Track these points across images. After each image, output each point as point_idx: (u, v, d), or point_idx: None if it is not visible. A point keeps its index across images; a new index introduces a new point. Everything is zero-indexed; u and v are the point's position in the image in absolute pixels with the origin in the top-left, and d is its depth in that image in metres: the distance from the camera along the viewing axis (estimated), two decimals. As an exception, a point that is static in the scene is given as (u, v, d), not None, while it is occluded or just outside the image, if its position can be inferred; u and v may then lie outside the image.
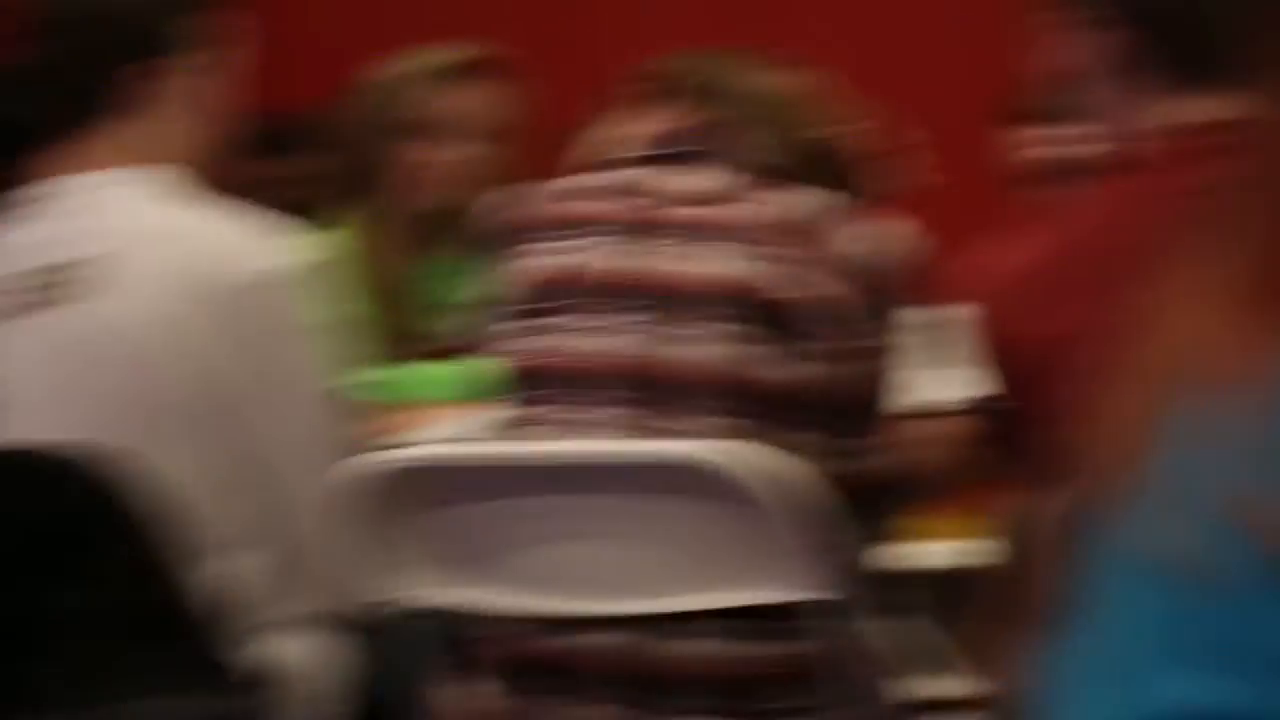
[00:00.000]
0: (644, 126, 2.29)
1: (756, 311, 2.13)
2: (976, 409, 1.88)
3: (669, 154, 2.25)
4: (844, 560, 2.04)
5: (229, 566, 2.28)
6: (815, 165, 2.30)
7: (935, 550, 2.41)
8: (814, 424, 2.12)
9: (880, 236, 2.19)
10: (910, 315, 2.21)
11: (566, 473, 2.08)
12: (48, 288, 2.33)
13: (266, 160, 5.53)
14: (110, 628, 2.08)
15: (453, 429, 3.17)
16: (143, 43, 2.36)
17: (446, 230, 3.46)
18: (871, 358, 2.17)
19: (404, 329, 3.38)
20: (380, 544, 2.13)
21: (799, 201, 2.18)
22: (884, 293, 2.17)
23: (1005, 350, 1.74)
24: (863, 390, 2.17)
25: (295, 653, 2.35)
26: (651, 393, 2.13)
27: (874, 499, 2.16)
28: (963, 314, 1.79)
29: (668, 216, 2.18)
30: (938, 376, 2.21)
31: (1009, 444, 1.77)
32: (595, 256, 2.19)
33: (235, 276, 2.29)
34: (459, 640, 2.17)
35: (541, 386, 2.17)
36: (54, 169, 2.38)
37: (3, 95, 3.25)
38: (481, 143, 3.43)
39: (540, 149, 3.59)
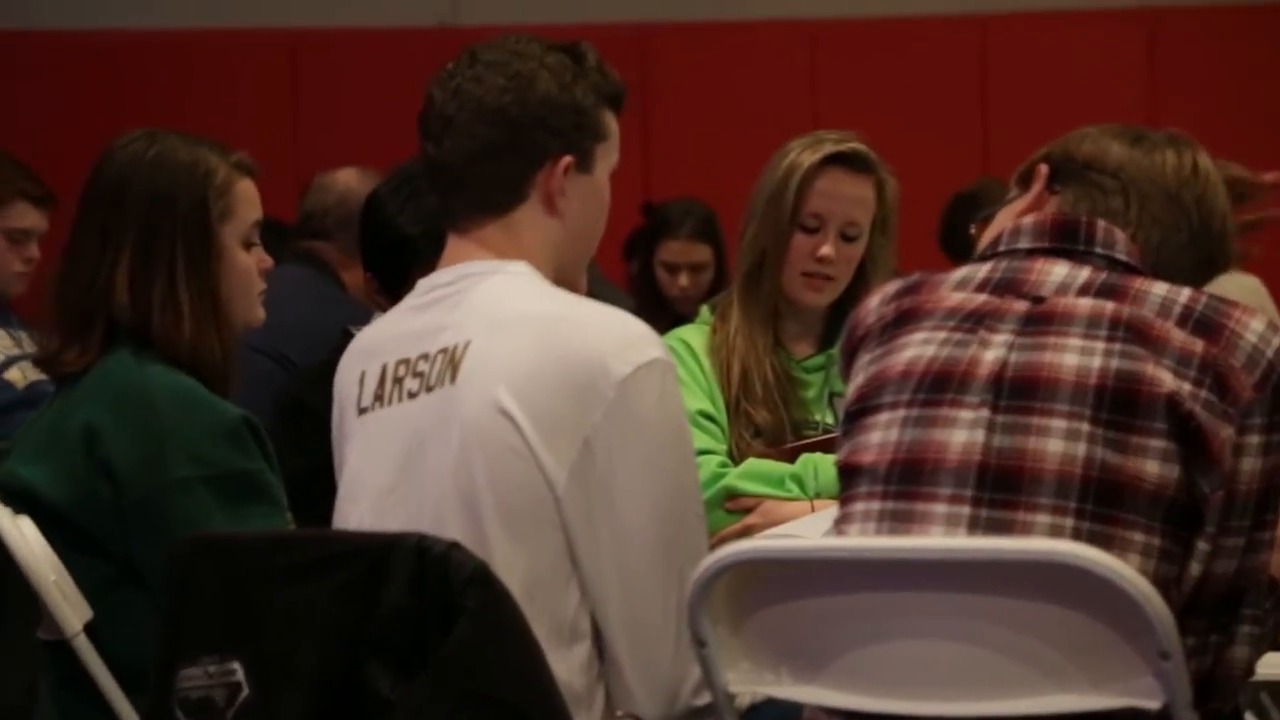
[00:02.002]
0: (1033, 214, 2.27)
1: (1113, 407, 2.10)
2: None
3: (1052, 248, 2.23)
4: (1183, 667, 1.99)
5: (567, 659, 2.31)
6: (1201, 250, 2.26)
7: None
8: (1156, 522, 2.08)
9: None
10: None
11: (917, 568, 2.06)
12: (416, 376, 2.37)
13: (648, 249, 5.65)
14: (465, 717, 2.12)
15: (809, 524, 3.17)
16: (560, 139, 2.41)
17: (826, 323, 3.46)
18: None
19: (770, 423, 3.37)
20: (724, 638, 2.14)
21: (1170, 295, 2.14)
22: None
23: None
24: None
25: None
26: (995, 486, 2.10)
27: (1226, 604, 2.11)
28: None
29: (1046, 310, 2.16)
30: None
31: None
32: (976, 350, 2.15)
33: (608, 369, 2.30)
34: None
35: (912, 480, 2.13)
36: (453, 257, 2.44)
37: (415, 185, 3.34)
38: (864, 236, 3.42)
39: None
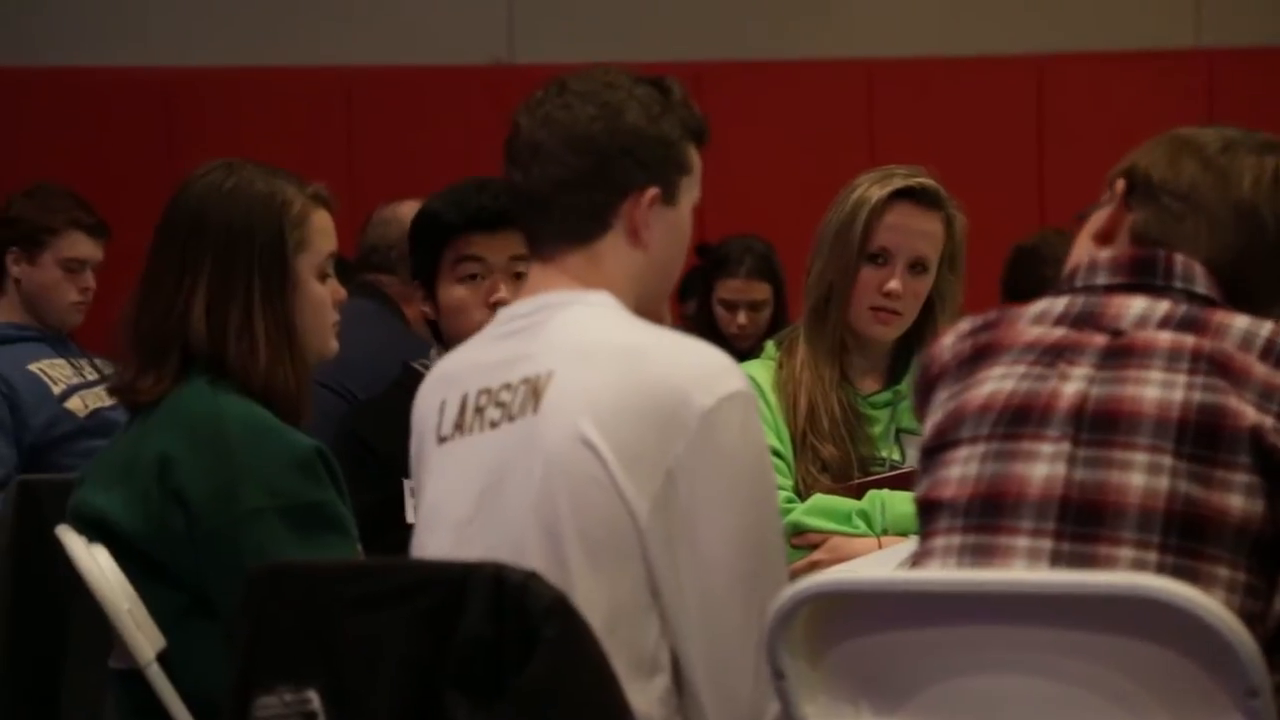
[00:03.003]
0: (1110, 249, 2.26)
1: (1196, 440, 2.09)
2: None
3: (1130, 284, 2.21)
4: (1271, 705, 1.96)
5: (646, 692, 2.30)
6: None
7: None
8: (1241, 557, 2.06)
9: None
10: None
11: (999, 601, 2.05)
12: (498, 405, 2.36)
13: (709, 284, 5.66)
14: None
15: (876, 561, 3.16)
16: (647, 171, 2.40)
17: (892, 359, 3.45)
18: None
19: (836, 458, 3.36)
20: (803, 671, 2.12)
21: (1252, 329, 2.13)
22: None
23: None
24: None
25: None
26: (1078, 520, 2.09)
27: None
28: None
29: (1125, 343, 2.15)
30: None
31: None
32: (1056, 383, 2.14)
33: (691, 400, 2.28)
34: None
35: (993, 514, 2.12)
36: (534, 286, 2.43)
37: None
38: (932, 271, 3.41)
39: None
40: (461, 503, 2.37)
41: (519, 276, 3.38)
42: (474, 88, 7.93)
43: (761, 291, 5.61)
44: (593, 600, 2.23)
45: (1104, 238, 2.31)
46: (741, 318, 5.59)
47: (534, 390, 2.33)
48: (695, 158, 2.46)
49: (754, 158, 7.80)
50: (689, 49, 7.71)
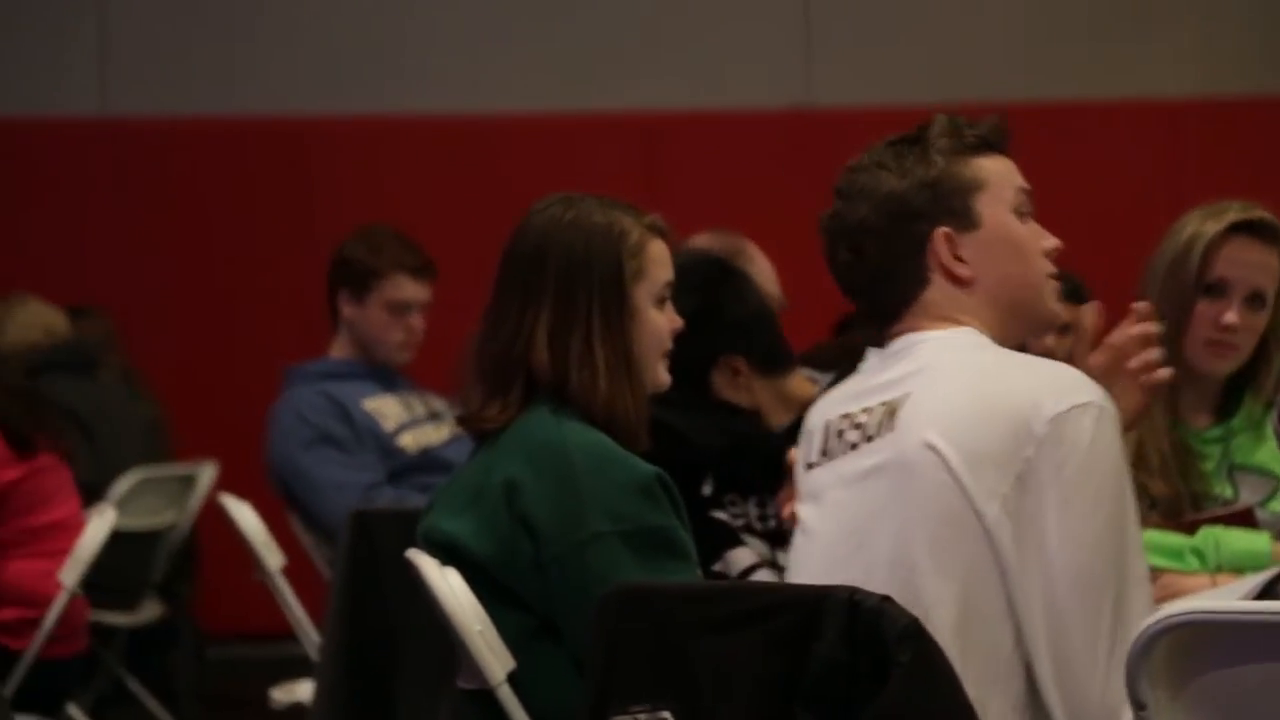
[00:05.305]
0: None
1: None
2: None
3: None
4: None
5: (1001, 696, 2.29)
6: None
7: None
8: None
9: None
10: None
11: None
12: (856, 428, 2.43)
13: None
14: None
15: (1222, 596, 3.10)
16: (925, 219, 2.47)
17: (1223, 394, 3.40)
18: None
19: (1167, 495, 3.31)
20: (1163, 701, 2.10)
21: None
22: None
23: None
24: None
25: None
26: None
27: None
28: None
29: None
30: None
31: None
32: None
33: (1041, 406, 2.32)
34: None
35: None
36: (902, 328, 2.51)
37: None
38: (1269, 305, 3.35)
39: None
40: (829, 522, 2.45)
41: None
42: (773, 130, 7.97)
43: (1068, 314, 5.55)
44: (941, 600, 2.26)
45: None
46: (1049, 340, 5.54)
47: (890, 411, 2.38)
48: (977, 169, 2.48)
49: (1059, 199, 7.73)
50: (990, 89, 7.68)
